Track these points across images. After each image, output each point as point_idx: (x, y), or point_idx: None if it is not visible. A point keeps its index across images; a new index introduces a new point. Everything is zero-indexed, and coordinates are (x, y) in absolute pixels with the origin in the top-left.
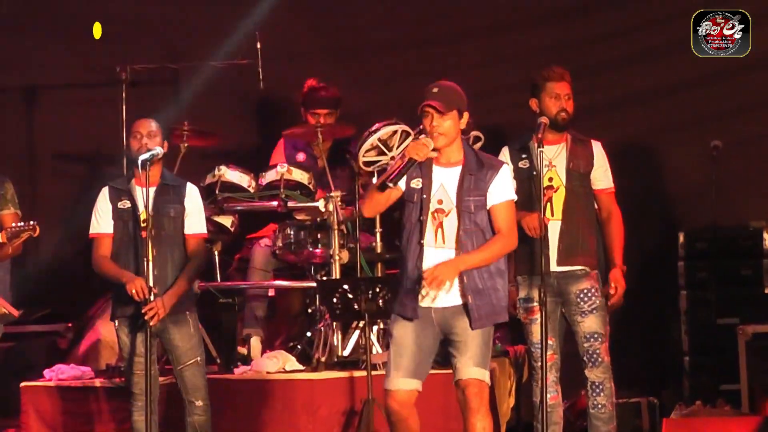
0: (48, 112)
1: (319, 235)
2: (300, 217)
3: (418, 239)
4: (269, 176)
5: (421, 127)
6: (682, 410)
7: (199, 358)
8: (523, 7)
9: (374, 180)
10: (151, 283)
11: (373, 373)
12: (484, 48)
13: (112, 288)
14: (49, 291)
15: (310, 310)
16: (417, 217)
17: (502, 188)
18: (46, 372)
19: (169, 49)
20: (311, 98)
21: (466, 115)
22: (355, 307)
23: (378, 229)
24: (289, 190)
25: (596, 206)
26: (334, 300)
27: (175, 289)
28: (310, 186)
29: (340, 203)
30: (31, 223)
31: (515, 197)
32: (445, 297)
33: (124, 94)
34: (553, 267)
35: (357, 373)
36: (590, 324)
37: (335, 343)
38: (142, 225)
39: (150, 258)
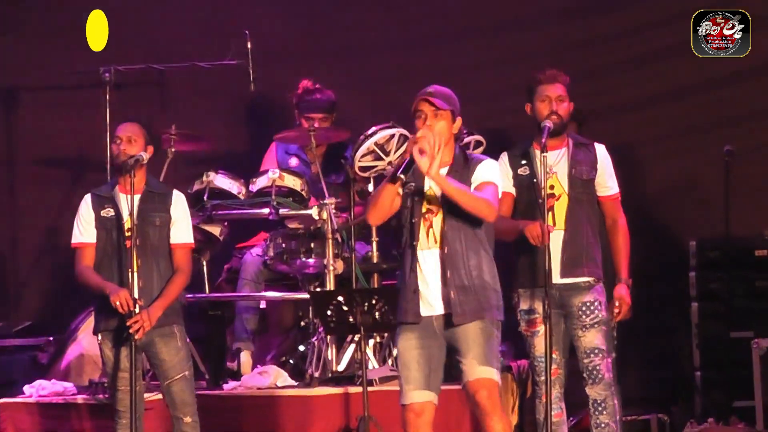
0: (29, 115)
1: (312, 245)
2: (292, 225)
3: (411, 242)
4: (260, 182)
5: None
6: (693, 428)
7: (186, 373)
8: (525, 5)
9: (370, 187)
10: (136, 295)
11: (369, 389)
12: (484, 49)
13: (96, 300)
14: (29, 303)
15: (303, 323)
16: (410, 220)
17: (485, 172)
18: (26, 388)
19: (155, 49)
20: (305, 101)
21: (459, 120)
22: (351, 319)
23: (374, 238)
24: (281, 197)
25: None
26: (329, 312)
27: (162, 301)
28: (303, 193)
29: (334, 211)
30: None
31: (499, 184)
32: (440, 303)
33: (108, 97)
34: (556, 279)
35: (352, 390)
36: (591, 339)
37: (329, 358)
38: (127, 234)
39: (135, 268)
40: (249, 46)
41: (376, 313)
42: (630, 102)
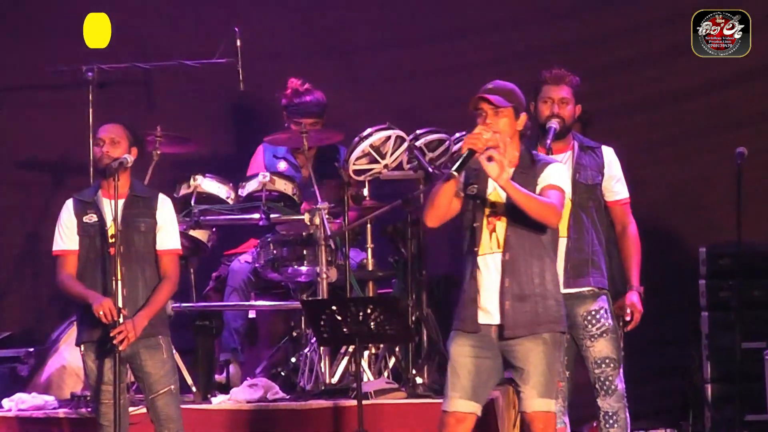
0: (8, 116)
1: (304, 251)
2: (284, 231)
3: (473, 247)
4: (250, 186)
5: (418, 132)
6: None
7: (172, 387)
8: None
9: (365, 191)
10: (120, 304)
11: (364, 402)
12: (481, 47)
13: (78, 309)
14: (8, 312)
15: (294, 334)
16: (471, 224)
17: (552, 175)
18: (5, 401)
19: (140, 47)
20: (294, 105)
21: (524, 116)
22: (344, 330)
23: (369, 245)
24: (271, 201)
25: (610, 220)
26: (321, 322)
27: (147, 311)
28: (295, 197)
29: (327, 216)
30: None
31: (566, 189)
32: (497, 312)
33: (91, 97)
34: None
35: (346, 403)
36: (601, 348)
37: (322, 370)
38: (111, 241)
39: (119, 277)
40: (238, 44)
41: (372, 323)
42: (634, 103)
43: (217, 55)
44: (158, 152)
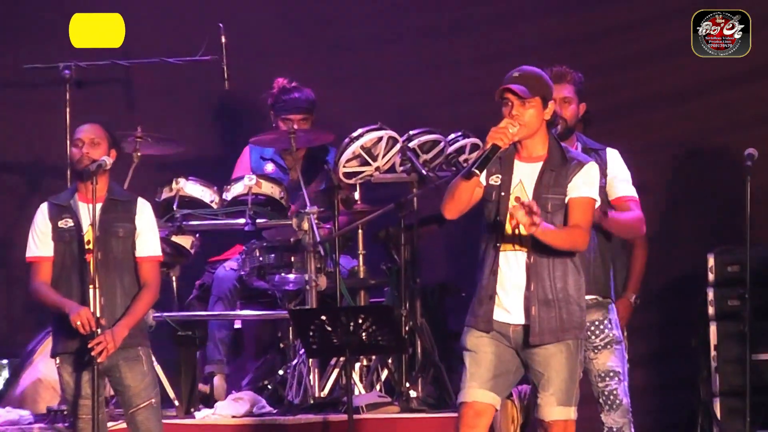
0: None
1: (292, 258)
2: (270, 237)
3: (495, 242)
4: (235, 190)
5: (411, 132)
6: None
7: (153, 400)
8: None
9: (356, 194)
10: (98, 314)
11: (355, 417)
12: (476, 44)
13: (53, 319)
14: None
15: (282, 345)
16: (494, 217)
17: (584, 184)
18: None
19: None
20: (282, 102)
21: (551, 104)
22: (334, 341)
23: (361, 251)
24: (257, 205)
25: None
26: (310, 333)
27: (126, 321)
28: (282, 201)
29: (316, 221)
30: None
31: (598, 199)
32: (520, 312)
33: (68, 96)
34: None
35: (336, 418)
36: (604, 360)
37: (311, 383)
38: (87, 247)
39: (96, 285)
40: (223, 40)
41: (363, 334)
42: (634, 103)
43: (201, 52)
44: (138, 154)
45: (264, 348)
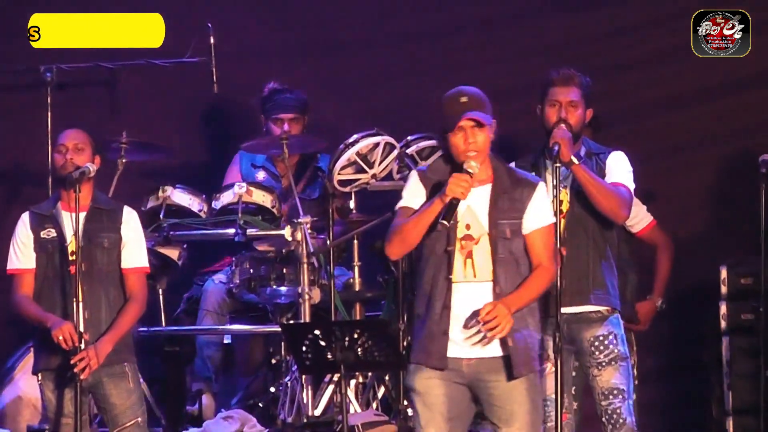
0: None
1: (284, 270)
2: (262, 248)
3: (446, 274)
4: (224, 198)
5: (408, 138)
6: None
7: (139, 419)
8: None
9: (351, 203)
10: (81, 328)
11: None
12: (473, 46)
13: (35, 334)
14: None
15: (273, 361)
16: (443, 247)
17: (541, 210)
18: None
19: None
20: (273, 101)
21: (493, 122)
22: (329, 357)
23: (356, 263)
24: (248, 215)
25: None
26: (303, 348)
27: (111, 335)
28: (274, 210)
29: (310, 231)
30: None
31: (555, 219)
32: (480, 346)
33: (49, 99)
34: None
35: None
36: (608, 378)
37: (304, 401)
38: (71, 258)
39: (80, 297)
40: (212, 41)
41: (359, 349)
42: (641, 108)
43: (189, 53)
44: (123, 161)
45: (255, 364)
